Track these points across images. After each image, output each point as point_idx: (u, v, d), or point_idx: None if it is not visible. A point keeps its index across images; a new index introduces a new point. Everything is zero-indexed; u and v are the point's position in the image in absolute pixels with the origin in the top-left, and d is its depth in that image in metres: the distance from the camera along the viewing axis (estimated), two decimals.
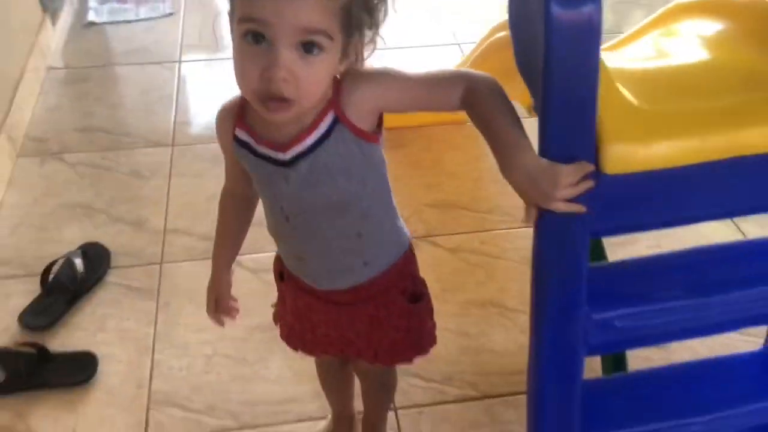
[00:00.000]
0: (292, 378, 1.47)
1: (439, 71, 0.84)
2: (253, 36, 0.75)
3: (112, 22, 2.58)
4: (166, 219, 1.82)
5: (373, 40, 0.82)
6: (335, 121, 0.83)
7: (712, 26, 0.97)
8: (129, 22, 2.59)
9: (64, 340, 1.54)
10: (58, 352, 1.49)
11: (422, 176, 1.95)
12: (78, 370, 1.47)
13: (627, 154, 0.78)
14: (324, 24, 0.74)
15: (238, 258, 1.50)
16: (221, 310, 1.11)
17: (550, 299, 0.87)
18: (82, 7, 2.65)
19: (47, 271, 1.63)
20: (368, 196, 0.91)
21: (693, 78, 0.90)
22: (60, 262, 1.65)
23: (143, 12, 2.63)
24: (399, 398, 1.42)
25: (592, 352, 0.94)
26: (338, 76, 0.84)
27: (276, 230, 0.97)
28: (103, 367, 1.48)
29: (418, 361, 1.09)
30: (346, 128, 0.83)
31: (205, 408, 1.42)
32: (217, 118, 0.92)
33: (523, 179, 0.77)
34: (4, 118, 1.96)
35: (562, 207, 0.77)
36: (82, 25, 2.56)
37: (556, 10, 0.69)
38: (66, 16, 2.58)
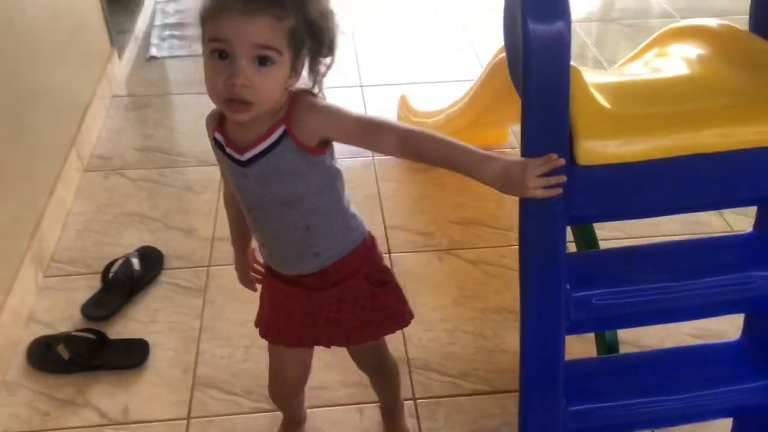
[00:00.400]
0: (322, 368, 1.61)
1: (375, 119, 1.02)
2: (219, 53, 0.93)
3: (171, 57, 2.83)
4: (214, 228, 2.00)
5: (325, 61, 1.00)
6: (284, 134, 1.00)
7: (689, 48, 1.12)
8: (186, 57, 2.83)
9: (121, 329, 1.71)
10: (115, 338, 1.67)
11: (448, 196, 2.10)
12: (132, 355, 1.64)
13: (597, 148, 0.93)
14: (274, 42, 0.92)
15: None
16: (245, 283, 1.35)
17: (533, 278, 1.01)
18: (146, 43, 2.92)
19: (107, 269, 1.82)
20: (314, 195, 1.06)
21: (662, 88, 1.05)
22: (119, 261, 1.83)
23: (199, 48, 2.87)
24: (418, 390, 1.56)
25: (573, 329, 1.07)
26: (294, 95, 1.01)
27: (247, 221, 1.15)
28: (153, 354, 1.65)
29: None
30: (291, 141, 1.00)
31: (243, 392, 1.57)
32: (205, 123, 1.10)
33: (497, 177, 0.92)
34: (74, 137, 2.18)
35: (539, 194, 0.91)
36: (145, 59, 2.82)
37: (532, 25, 0.85)
38: (131, 51, 2.84)
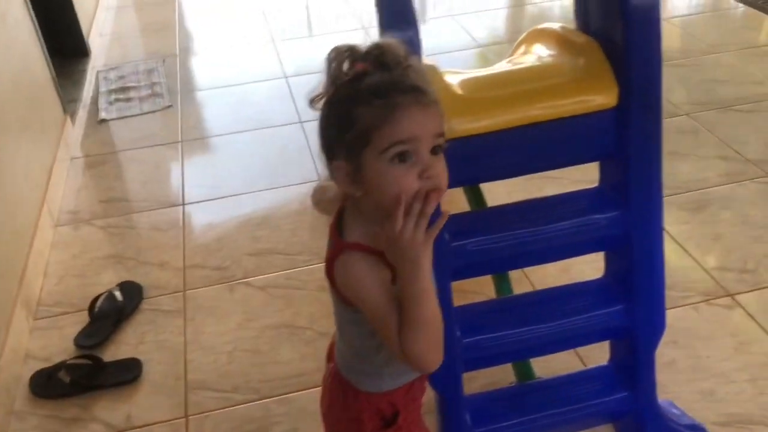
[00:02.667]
0: (299, 359, 1.84)
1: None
2: (399, 156, 0.87)
3: (120, 118, 3.05)
4: (184, 258, 2.22)
5: None
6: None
7: (539, 44, 1.45)
8: (135, 116, 3.06)
9: (113, 352, 1.90)
10: (110, 360, 1.86)
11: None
12: (127, 372, 1.83)
13: (454, 125, 1.18)
14: (443, 128, 0.90)
15: (250, 279, 1.91)
16: None
17: None
18: (95, 108, 3.13)
19: (93, 303, 2.01)
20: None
21: (507, 76, 1.38)
22: (103, 295, 2.03)
23: (146, 107, 3.11)
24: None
25: (456, 275, 1.32)
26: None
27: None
28: (146, 369, 1.84)
29: None
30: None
31: (232, 388, 1.78)
32: (362, 266, 0.95)
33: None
34: (43, 197, 2.38)
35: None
36: (97, 122, 3.03)
37: (388, 34, 1.14)
38: (82, 116, 3.05)
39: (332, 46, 0.93)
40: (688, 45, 3.35)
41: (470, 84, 1.33)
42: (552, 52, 1.40)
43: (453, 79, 1.33)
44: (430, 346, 0.95)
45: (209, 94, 3.26)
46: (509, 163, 1.32)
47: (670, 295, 1.93)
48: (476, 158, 1.29)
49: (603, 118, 1.30)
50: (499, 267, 1.45)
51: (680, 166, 2.48)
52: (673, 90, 2.94)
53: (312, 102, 0.94)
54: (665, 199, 2.29)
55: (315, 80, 0.96)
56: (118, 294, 2.03)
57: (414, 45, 1.17)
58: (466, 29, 3.66)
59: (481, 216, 1.40)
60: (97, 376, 1.81)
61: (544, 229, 1.33)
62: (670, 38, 3.44)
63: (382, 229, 0.90)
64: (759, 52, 3.21)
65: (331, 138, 0.93)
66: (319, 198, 1.16)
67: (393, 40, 0.93)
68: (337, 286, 0.98)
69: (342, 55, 0.91)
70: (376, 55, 0.90)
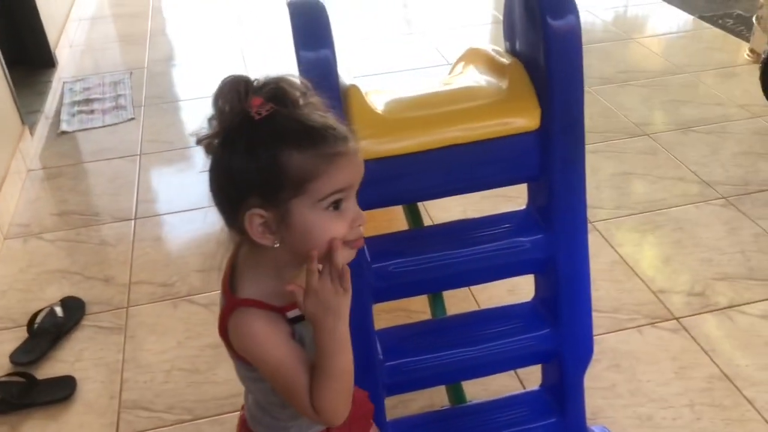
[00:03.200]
0: (236, 379, 1.79)
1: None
2: (334, 204, 0.84)
3: (81, 130, 3.03)
4: (130, 274, 2.19)
5: None
6: None
7: (470, 65, 1.44)
8: (96, 128, 3.04)
9: (48, 370, 1.87)
10: (44, 378, 1.82)
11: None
12: (60, 390, 1.80)
13: (371, 146, 1.19)
14: None
15: (194, 296, 1.90)
16: None
17: None
18: (57, 120, 3.11)
19: (32, 319, 1.97)
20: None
21: (430, 96, 1.35)
22: (44, 311, 1.99)
23: (108, 119, 3.09)
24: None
25: (378, 297, 1.30)
26: None
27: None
28: (81, 387, 1.81)
29: None
30: None
31: (166, 408, 1.75)
32: (260, 325, 0.90)
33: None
34: None
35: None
36: (57, 134, 3.01)
37: (302, 52, 1.12)
38: (42, 128, 3.02)
39: (222, 79, 0.84)
40: (653, 65, 3.35)
41: (394, 105, 1.31)
42: (480, 73, 1.39)
43: (377, 99, 1.31)
44: (343, 397, 0.91)
45: (174, 107, 3.25)
46: (433, 184, 1.31)
47: (616, 317, 1.93)
48: (398, 179, 1.28)
49: (526, 140, 1.29)
50: (421, 289, 1.43)
51: (636, 187, 2.47)
52: (636, 110, 2.94)
53: (204, 144, 0.85)
54: (620, 220, 2.31)
55: None
56: (58, 310, 2.00)
57: (329, 65, 1.16)
58: (437, 47, 3.67)
59: (404, 237, 1.38)
60: (29, 395, 1.77)
61: (468, 251, 1.32)
62: (636, 58, 3.45)
63: (307, 277, 0.85)
64: (725, 74, 3.22)
65: (242, 186, 0.84)
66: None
67: (288, 75, 0.86)
68: (233, 346, 0.93)
69: (238, 89, 0.83)
70: (274, 90, 0.83)
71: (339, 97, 1.16)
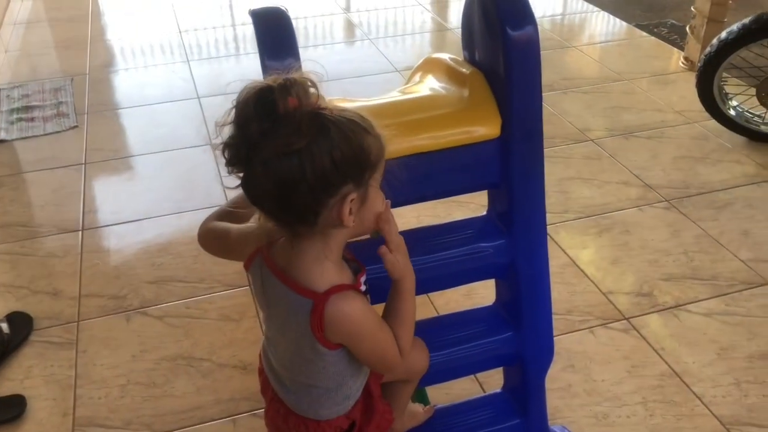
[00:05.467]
0: (195, 392, 1.78)
1: None
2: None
3: (21, 138, 2.93)
4: (80, 286, 2.13)
5: None
6: None
7: (429, 75, 1.45)
8: (37, 136, 2.94)
9: None
10: None
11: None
12: (8, 410, 1.73)
13: None
14: None
15: (147, 308, 1.83)
16: None
17: None
18: None
19: None
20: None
21: (394, 106, 1.36)
22: None
23: (50, 127, 3.00)
24: None
25: None
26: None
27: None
28: (31, 405, 1.75)
29: None
30: None
31: (123, 424, 1.71)
32: (358, 304, 1.04)
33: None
34: None
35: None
36: None
37: (269, 63, 1.13)
38: None
39: (252, 86, 0.93)
40: (597, 72, 3.46)
41: (360, 112, 1.31)
42: (440, 82, 1.40)
43: (343, 105, 1.31)
44: (412, 334, 1.13)
45: (118, 114, 3.17)
46: (398, 193, 1.31)
47: (569, 319, 1.98)
48: None
49: (487, 148, 1.31)
50: (383, 297, 1.44)
51: (583, 191, 2.54)
52: (581, 116, 3.03)
53: (283, 151, 0.91)
54: (568, 224, 2.37)
55: (227, 101, 0.94)
56: (4, 326, 1.93)
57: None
58: (384, 53, 3.69)
59: (365, 245, 1.39)
60: None
61: (429, 258, 1.33)
62: (576, 65, 3.55)
63: (387, 237, 1.04)
64: (662, 80, 3.34)
65: (340, 176, 0.93)
66: (235, 238, 1.13)
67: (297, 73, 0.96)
68: (326, 334, 1.01)
69: (289, 93, 0.92)
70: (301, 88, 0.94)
71: None
